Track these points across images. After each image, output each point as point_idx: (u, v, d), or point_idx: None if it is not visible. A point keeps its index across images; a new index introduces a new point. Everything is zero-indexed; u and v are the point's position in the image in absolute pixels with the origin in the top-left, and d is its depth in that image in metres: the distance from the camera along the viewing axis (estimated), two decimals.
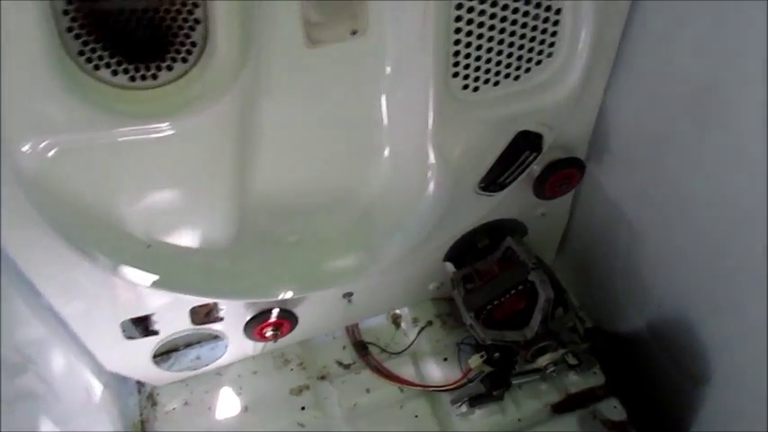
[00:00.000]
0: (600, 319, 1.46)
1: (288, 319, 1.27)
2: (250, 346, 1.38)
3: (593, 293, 1.46)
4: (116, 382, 1.36)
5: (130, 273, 1.04)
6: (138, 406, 1.40)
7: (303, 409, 1.36)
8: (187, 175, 0.99)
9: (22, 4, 0.71)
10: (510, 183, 1.16)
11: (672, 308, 1.19)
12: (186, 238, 1.07)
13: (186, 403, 1.38)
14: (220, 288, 1.15)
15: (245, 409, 1.37)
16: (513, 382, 1.30)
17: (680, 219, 1.12)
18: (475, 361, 1.27)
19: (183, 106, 0.87)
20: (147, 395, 1.41)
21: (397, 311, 1.52)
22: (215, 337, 1.39)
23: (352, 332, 1.47)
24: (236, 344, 1.37)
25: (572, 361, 1.30)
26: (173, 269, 1.09)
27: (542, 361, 1.24)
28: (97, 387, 1.26)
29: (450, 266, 1.36)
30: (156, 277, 1.07)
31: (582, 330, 1.42)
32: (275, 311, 1.25)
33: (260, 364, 1.43)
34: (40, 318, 1.10)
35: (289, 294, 1.21)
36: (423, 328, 1.47)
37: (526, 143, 1.09)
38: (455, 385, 1.34)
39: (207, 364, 1.42)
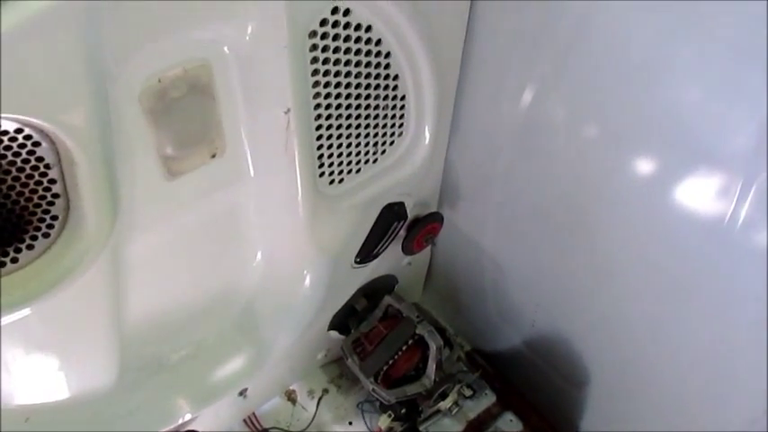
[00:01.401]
0: (476, 340, 1.57)
1: None
2: None
3: (466, 319, 1.56)
4: None
5: None
6: None
7: None
8: (56, 343, 0.91)
9: None
10: (383, 251, 1.20)
11: (545, 323, 1.32)
12: (64, 396, 0.98)
13: None
14: None
15: None
16: (422, 428, 1.36)
17: (532, 241, 1.24)
18: (384, 422, 1.31)
19: (50, 285, 0.79)
20: None
21: (291, 387, 1.50)
22: None
23: (252, 422, 1.43)
24: None
25: (467, 392, 1.38)
26: None
27: (446, 404, 1.31)
28: None
29: (335, 334, 1.38)
30: None
31: (464, 356, 1.53)
32: None
33: None
34: None
35: (188, 416, 1.15)
36: (320, 398, 1.47)
37: (392, 214, 1.14)
38: None
39: None
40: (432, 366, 1.28)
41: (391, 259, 1.34)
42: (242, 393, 1.33)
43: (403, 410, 1.29)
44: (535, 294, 1.30)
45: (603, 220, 1.07)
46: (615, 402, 1.25)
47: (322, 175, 0.99)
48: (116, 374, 1.02)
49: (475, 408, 1.46)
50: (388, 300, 1.34)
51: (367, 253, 1.17)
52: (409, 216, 1.22)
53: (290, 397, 1.49)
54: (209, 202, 0.96)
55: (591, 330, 1.22)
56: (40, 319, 0.83)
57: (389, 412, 1.30)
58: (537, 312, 1.31)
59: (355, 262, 1.18)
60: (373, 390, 1.28)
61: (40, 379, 0.93)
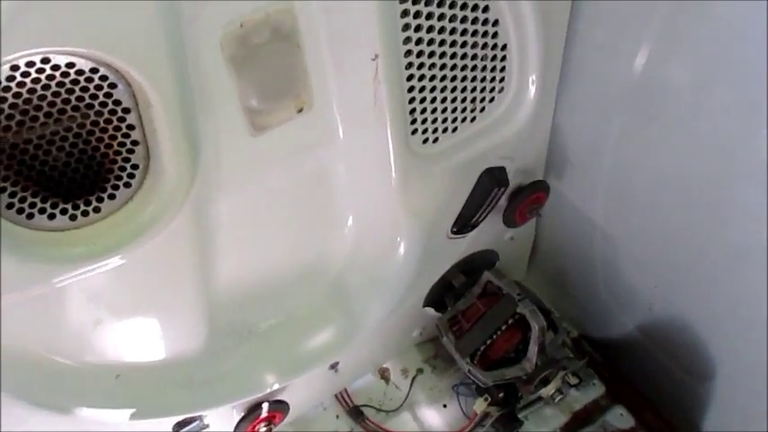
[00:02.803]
0: (585, 326, 1.45)
1: (279, 410, 1.19)
2: None
3: (574, 302, 1.44)
4: None
5: (105, 414, 0.94)
6: None
7: None
8: (145, 296, 0.90)
9: None
10: (482, 221, 1.12)
11: (664, 307, 1.18)
12: (156, 357, 0.98)
13: None
14: (203, 399, 1.06)
15: None
16: (520, 415, 1.26)
17: (651, 214, 1.11)
18: (480, 405, 1.22)
19: (134, 234, 0.77)
20: None
21: (384, 365, 1.45)
22: None
23: (343, 399, 1.39)
24: None
25: (573, 380, 1.27)
26: (148, 394, 0.99)
27: (548, 391, 1.20)
28: None
29: (431, 311, 1.31)
30: (132, 410, 0.97)
31: (570, 342, 1.41)
32: (265, 406, 1.16)
33: None
34: None
35: (276, 386, 1.13)
36: (414, 378, 1.41)
37: (492, 180, 1.05)
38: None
39: None
40: (533, 349, 1.17)
41: (491, 232, 1.25)
42: (333, 367, 1.29)
43: (501, 395, 1.20)
44: (653, 274, 1.16)
45: (738, 193, 0.92)
46: (743, 399, 1.10)
47: (414, 132, 0.92)
48: (205, 337, 1.01)
49: (581, 398, 1.34)
50: (487, 275, 1.25)
51: (464, 222, 1.09)
52: (511, 184, 1.13)
53: (384, 375, 1.44)
54: (297, 162, 0.92)
55: (717, 316, 1.07)
56: (125, 272, 0.81)
57: (486, 396, 1.22)
58: (655, 294, 1.18)
59: (452, 232, 1.11)
60: (469, 371, 1.20)
61: (130, 335, 0.93)
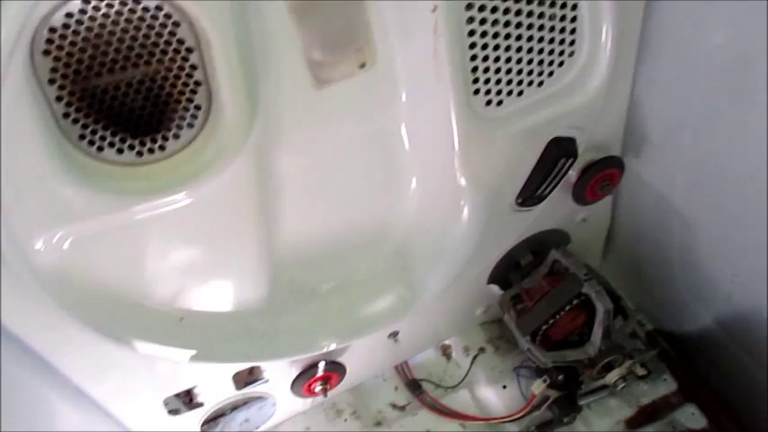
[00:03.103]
0: (660, 319, 1.37)
1: (335, 371, 1.21)
2: (299, 403, 1.31)
3: (649, 293, 1.37)
4: None
5: (166, 351, 0.99)
6: None
7: None
8: (210, 240, 0.93)
9: (12, 96, 0.66)
10: (549, 194, 1.08)
11: (743, 298, 1.10)
12: (219, 305, 1.02)
13: None
14: (261, 350, 1.09)
15: None
16: (581, 402, 1.22)
17: (735, 201, 1.04)
18: (538, 387, 1.19)
19: (197, 173, 0.81)
20: None
21: (447, 342, 1.44)
22: (261, 399, 1.32)
23: (403, 371, 1.40)
24: (284, 402, 1.30)
25: (640, 371, 1.21)
26: (209, 339, 1.03)
27: (611, 377, 1.15)
28: None
29: (495, 289, 1.29)
30: (192, 352, 1.02)
31: (644, 335, 1.34)
32: (321, 365, 1.18)
33: (312, 418, 1.36)
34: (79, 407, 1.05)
35: (332, 346, 1.14)
36: (475, 357, 1.39)
37: (560, 150, 1.01)
38: (520, 415, 1.26)
39: (257, 427, 1.36)
40: (597, 332, 1.13)
41: (561, 211, 1.21)
42: (393, 336, 1.29)
43: (560, 377, 1.16)
44: (733, 262, 1.09)
45: None
46: None
47: (477, 92, 0.91)
48: (267, 290, 1.04)
49: (649, 392, 1.28)
50: (554, 254, 1.21)
51: (530, 193, 1.06)
52: (583, 158, 1.09)
53: (446, 352, 1.43)
54: (360, 120, 0.93)
55: None
56: (190, 212, 0.85)
57: (545, 377, 1.18)
58: (734, 284, 1.10)
59: (516, 203, 1.08)
60: (528, 350, 1.17)
61: (195, 279, 0.97)
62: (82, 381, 0.99)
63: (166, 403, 1.15)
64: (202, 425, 1.27)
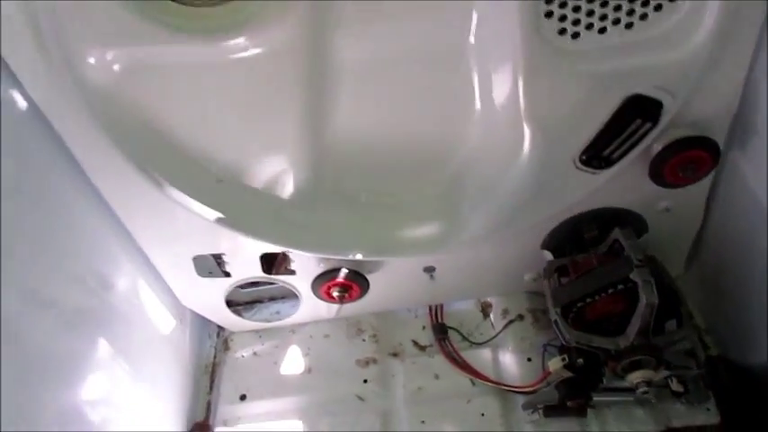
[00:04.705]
0: (728, 345, 1.21)
1: (357, 282, 1.19)
2: (324, 308, 1.32)
3: (725, 315, 1.21)
4: (196, 324, 1.37)
5: (196, 205, 1.03)
6: (214, 348, 1.41)
7: (365, 381, 1.28)
8: (258, 103, 0.93)
9: None
10: (618, 159, 0.97)
11: None
12: (256, 179, 1.04)
13: (255, 354, 1.37)
14: (286, 237, 1.10)
15: (309, 370, 1.32)
16: (597, 398, 1.11)
17: None
18: (555, 364, 1.10)
19: (246, 23, 0.83)
20: (223, 340, 1.41)
21: (489, 300, 1.37)
22: (296, 296, 1.35)
23: (435, 313, 1.36)
24: (309, 302, 1.32)
25: (676, 387, 1.08)
26: (239, 210, 1.06)
27: (633, 378, 1.04)
28: (169, 321, 1.27)
29: (548, 255, 1.20)
30: (220, 214, 1.05)
31: (702, 357, 1.19)
32: (343, 272, 1.17)
33: (333, 328, 1.38)
34: (123, 246, 1.13)
35: (358, 256, 1.13)
36: (511, 322, 1.31)
37: (638, 110, 0.90)
38: (532, 388, 1.18)
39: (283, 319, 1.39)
40: (634, 325, 1.01)
41: (637, 189, 1.08)
42: (429, 272, 1.25)
43: (580, 360, 1.07)
44: None
45: None
46: None
47: (550, 15, 0.82)
48: (305, 180, 1.04)
49: (685, 416, 1.15)
50: (617, 233, 1.10)
51: (596, 152, 0.96)
52: (671, 133, 0.96)
53: (484, 309, 1.37)
54: (427, 27, 0.88)
55: None
56: (244, 63, 0.86)
57: (564, 356, 1.09)
58: None
59: (580, 160, 0.98)
60: (556, 321, 1.08)
61: (238, 142, 0.99)
62: (116, 206, 1.06)
63: (197, 266, 1.20)
64: (240, 304, 1.36)
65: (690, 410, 1.13)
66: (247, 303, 1.47)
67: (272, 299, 1.47)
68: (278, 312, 1.42)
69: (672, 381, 1.07)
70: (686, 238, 1.24)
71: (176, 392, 1.28)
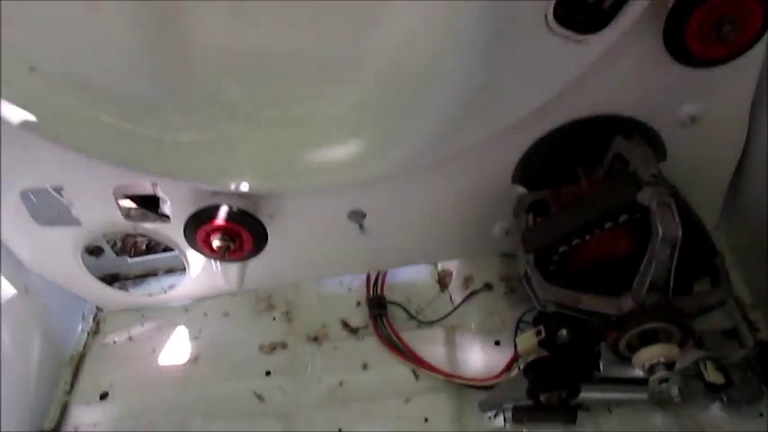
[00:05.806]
0: None
1: (247, 228, 0.84)
2: (222, 276, 0.97)
3: None
4: (58, 299, 1.02)
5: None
6: (87, 334, 1.06)
7: (268, 374, 0.92)
8: None
9: None
10: (613, 11, 0.62)
11: None
12: (86, 67, 0.71)
13: (130, 338, 1.02)
14: (139, 157, 0.79)
15: (195, 359, 0.97)
16: (590, 394, 0.74)
17: None
18: (525, 340, 0.74)
19: None
20: (97, 321, 1.07)
21: (449, 267, 1.01)
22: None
23: (374, 283, 1.00)
24: (199, 266, 0.98)
25: (713, 377, 0.71)
26: (61, 110, 0.74)
27: (644, 356, 0.66)
28: (5, 291, 0.93)
29: (521, 189, 0.84)
30: (31, 117, 0.72)
31: (750, 339, 0.82)
32: (224, 210, 0.82)
33: (236, 304, 1.03)
34: None
35: (243, 186, 0.79)
36: (475, 292, 0.95)
37: None
38: (490, 382, 0.81)
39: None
40: (645, 274, 0.65)
41: (650, 82, 0.72)
42: (357, 220, 0.90)
43: (562, 332, 0.70)
44: None
45: None
46: None
47: None
48: (171, 82, 0.75)
49: (723, 422, 0.78)
50: (618, 144, 0.74)
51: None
52: None
53: (442, 280, 1.00)
54: None
55: None
56: None
57: (539, 328, 0.72)
58: None
59: (554, 15, 0.63)
60: (526, 274, 0.71)
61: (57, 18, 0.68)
62: None
63: (31, 209, 0.87)
64: (138, 276, 1.10)
65: (732, 414, 0.75)
66: (138, 277, 1.13)
67: (170, 271, 1.13)
68: (172, 287, 1.07)
69: (707, 366, 0.70)
70: (722, 170, 0.87)
71: (17, 391, 0.93)
